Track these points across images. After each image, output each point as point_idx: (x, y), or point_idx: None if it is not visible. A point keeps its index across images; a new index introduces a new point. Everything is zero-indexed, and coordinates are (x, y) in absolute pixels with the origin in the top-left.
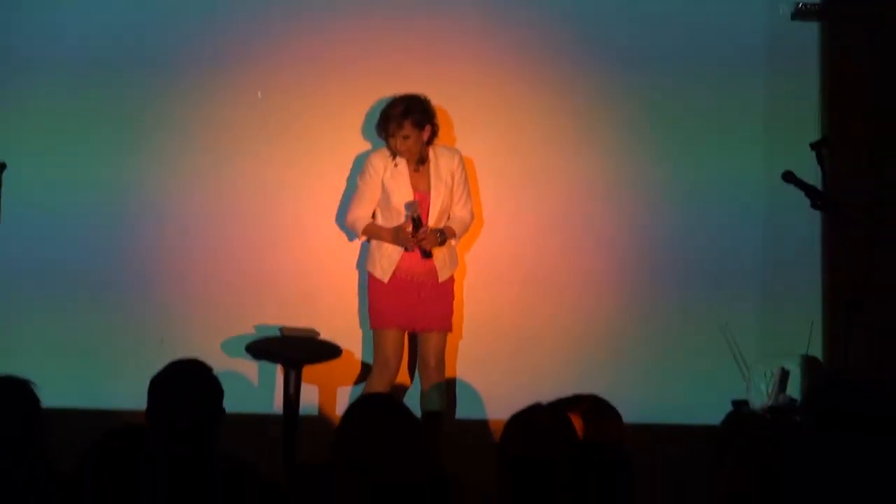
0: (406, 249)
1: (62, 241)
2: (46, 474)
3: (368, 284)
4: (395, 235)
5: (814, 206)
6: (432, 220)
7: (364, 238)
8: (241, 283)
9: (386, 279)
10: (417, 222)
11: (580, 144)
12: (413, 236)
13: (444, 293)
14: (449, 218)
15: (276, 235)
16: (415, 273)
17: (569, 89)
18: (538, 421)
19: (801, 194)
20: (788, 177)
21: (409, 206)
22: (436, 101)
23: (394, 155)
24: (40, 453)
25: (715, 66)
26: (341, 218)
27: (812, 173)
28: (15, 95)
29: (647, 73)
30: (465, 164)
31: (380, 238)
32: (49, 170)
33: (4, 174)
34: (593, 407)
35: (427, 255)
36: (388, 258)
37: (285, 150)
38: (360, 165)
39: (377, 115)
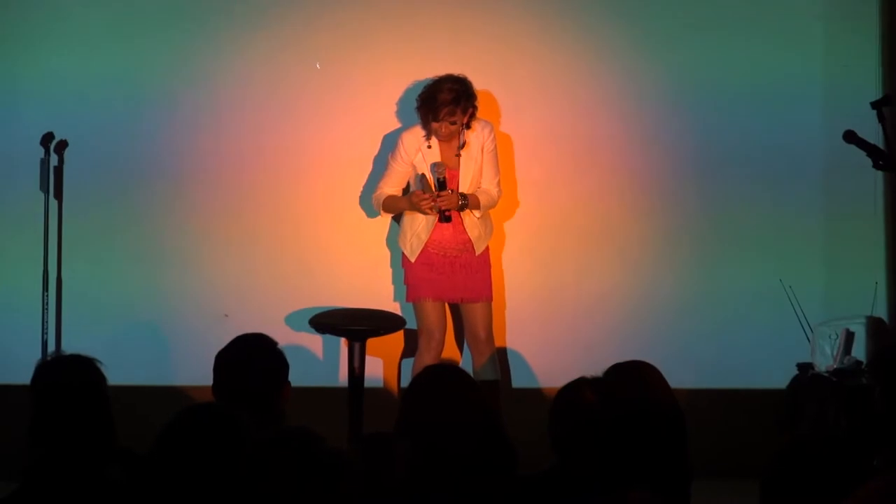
0: (423, 213)
1: (123, 218)
2: (114, 453)
3: (402, 260)
4: (409, 201)
5: (875, 165)
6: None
7: (384, 213)
8: (305, 256)
9: (413, 258)
10: (442, 184)
11: (634, 107)
12: (436, 197)
13: (482, 264)
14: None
15: (338, 207)
16: (447, 248)
17: (615, 49)
18: (582, 398)
19: (863, 154)
20: (850, 136)
21: (434, 166)
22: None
23: (428, 135)
24: (108, 431)
25: (774, 25)
26: (366, 195)
27: (873, 133)
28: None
29: (702, 37)
30: (495, 136)
31: (398, 209)
32: (107, 148)
33: (66, 151)
34: (634, 373)
35: (445, 218)
36: (416, 237)
37: (346, 121)
38: (388, 145)
39: (415, 92)
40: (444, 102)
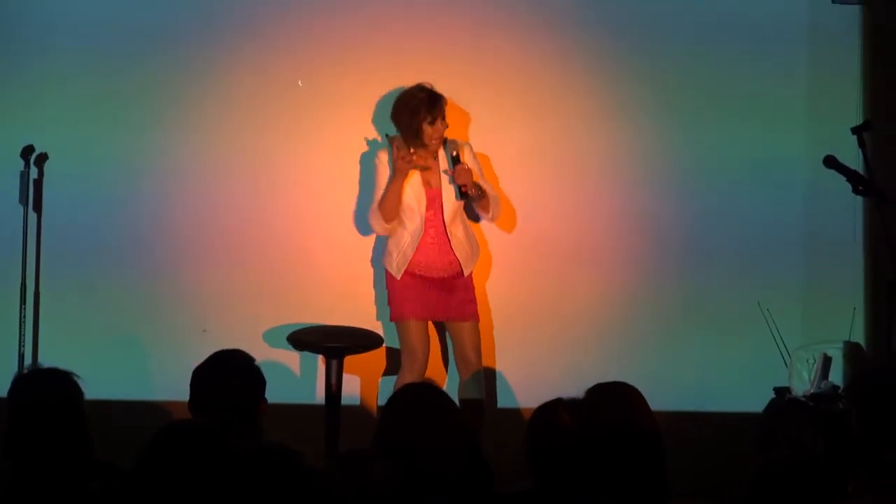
0: (409, 167)
1: (103, 231)
2: (90, 467)
3: (386, 279)
4: (394, 168)
5: (855, 191)
6: (448, 215)
7: (386, 220)
8: (284, 273)
9: (399, 275)
10: (455, 159)
11: (618, 127)
12: (452, 173)
13: (467, 282)
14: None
15: (318, 224)
16: (433, 269)
17: (600, 69)
18: (558, 419)
19: (843, 179)
20: (830, 161)
21: (447, 143)
22: (452, 94)
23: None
24: (84, 445)
25: (756, 50)
26: (359, 220)
27: (853, 158)
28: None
29: (687, 55)
30: (472, 151)
31: (389, 192)
32: (88, 161)
33: (46, 164)
34: (615, 394)
35: (463, 195)
36: (402, 255)
37: (329, 136)
38: (366, 164)
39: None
40: (437, 101)
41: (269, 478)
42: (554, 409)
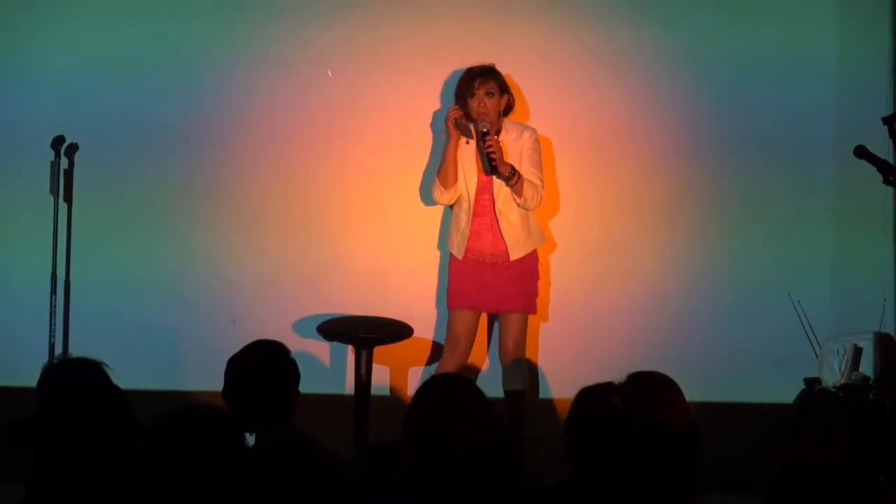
0: (464, 135)
1: (134, 220)
2: (120, 454)
3: (448, 264)
4: (447, 123)
5: (886, 181)
6: (499, 202)
7: (443, 187)
8: (314, 264)
9: (460, 256)
10: (485, 135)
11: (645, 122)
12: (484, 146)
13: (521, 273)
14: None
15: (348, 214)
16: (484, 254)
17: (645, 63)
18: (610, 403)
19: (873, 169)
20: (860, 152)
21: (481, 121)
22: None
23: (468, 132)
24: (114, 433)
25: (786, 36)
26: (424, 192)
27: (884, 148)
28: None
29: (718, 34)
30: (538, 140)
31: (445, 157)
32: (118, 151)
33: (76, 154)
34: (652, 385)
35: (492, 168)
36: (461, 235)
37: (357, 127)
38: (435, 139)
39: (450, 88)
40: (478, 74)
41: (286, 466)
42: (605, 394)
